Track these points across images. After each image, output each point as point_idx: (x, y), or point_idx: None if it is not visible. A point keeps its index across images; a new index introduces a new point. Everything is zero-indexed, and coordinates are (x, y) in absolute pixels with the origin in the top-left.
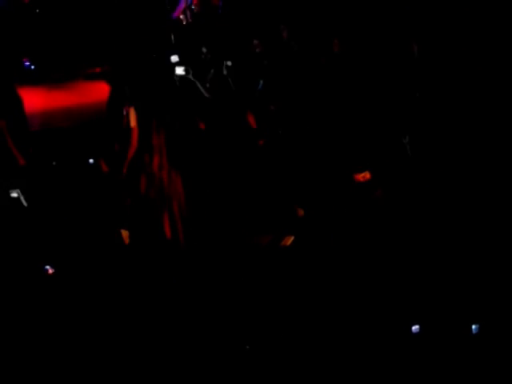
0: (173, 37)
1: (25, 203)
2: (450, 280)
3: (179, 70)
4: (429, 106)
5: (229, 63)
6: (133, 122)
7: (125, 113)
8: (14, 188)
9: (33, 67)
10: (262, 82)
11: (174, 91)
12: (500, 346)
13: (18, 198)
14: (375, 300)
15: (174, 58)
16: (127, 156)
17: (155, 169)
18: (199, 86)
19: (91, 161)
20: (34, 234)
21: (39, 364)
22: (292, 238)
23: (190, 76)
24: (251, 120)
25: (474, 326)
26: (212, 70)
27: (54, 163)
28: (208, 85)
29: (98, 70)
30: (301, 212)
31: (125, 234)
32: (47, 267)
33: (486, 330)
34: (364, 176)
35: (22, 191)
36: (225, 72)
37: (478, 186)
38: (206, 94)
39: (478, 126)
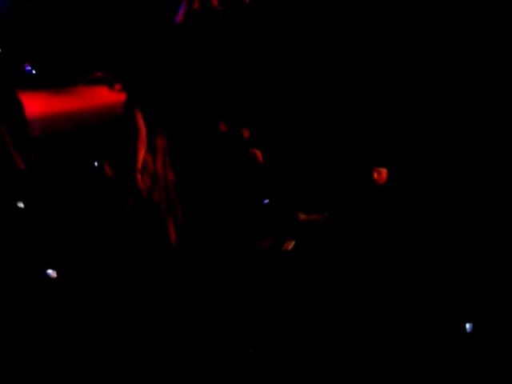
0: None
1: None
2: (448, 280)
3: None
4: (435, 107)
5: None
6: (140, 124)
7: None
8: (15, 192)
9: (34, 72)
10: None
11: (176, 94)
12: (494, 344)
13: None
14: (376, 304)
15: None
16: (137, 157)
17: (159, 170)
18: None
19: (96, 164)
20: (36, 238)
21: (42, 366)
22: (293, 243)
23: None
24: (245, 132)
25: (468, 325)
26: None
27: (55, 168)
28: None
29: (99, 74)
30: (302, 216)
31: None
32: (50, 271)
33: (480, 328)
34: (380, 173)
35: (23, 196)
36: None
37: (481, 187)
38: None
39: (483, 127)
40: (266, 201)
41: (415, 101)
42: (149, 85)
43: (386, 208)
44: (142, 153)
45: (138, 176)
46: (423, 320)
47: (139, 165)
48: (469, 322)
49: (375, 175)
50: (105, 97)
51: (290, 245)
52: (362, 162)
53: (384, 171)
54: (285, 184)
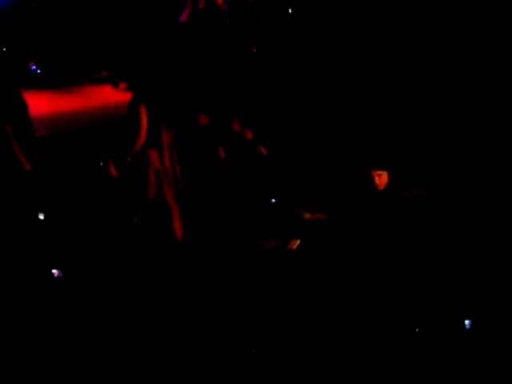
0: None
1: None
2: (448, 277)
3: None
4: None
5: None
6: (143, 121)
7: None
8: (20, 192)
9: (39, 71)
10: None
11: (181, 93)
12: (493, 340)
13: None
14: (379, 303)
15: None
16: (131, 150)
17: (167, 165)
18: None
19: (101, 164)
20: (41, 238)
21: (44, 365)
22: (298, 242)
23: None
24: (248, 134)
25: (466, 322)
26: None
27: (60, 168)
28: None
29: (104, 73)
30: (307, 215)
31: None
32: (54, 271)
33: (478, 325)
34: (381, 176)
35: (27, 196)
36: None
37: (481, 188)
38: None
39: (482, 126)
40: (273, 200)
41: (415, 102)
42: (154, 83)
43: (409, 203)
44: (137, 147)
45: (128, 165)
46: (425, 316)
47: (129, 157)
48: (468, 318)
49: (376, 180)
50: (110, 96)
51: (295, 244)
52: (362, 165)
53: (385, 174)
54: (290, 183)
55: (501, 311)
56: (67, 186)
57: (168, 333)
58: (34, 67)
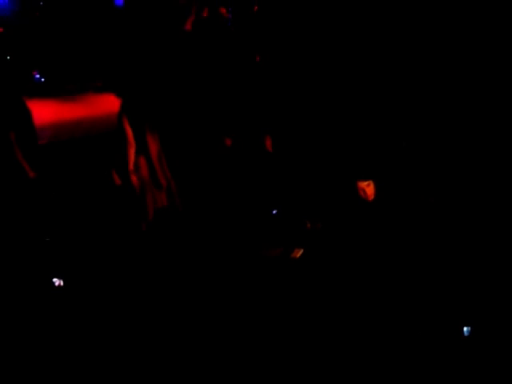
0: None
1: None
2: (446, 282)
3: None
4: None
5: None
6: (127, 128)
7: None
8: (24, 200)
9: (43, 79)
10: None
11: (180, 100)
12: (491, 347)
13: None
14: (381, 310)
15: None
16: (128, 159)
17: (157, 168)
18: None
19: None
20: (44, 246)
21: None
22: (302, 251)
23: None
24: (268, 143)
25: (465, 329)
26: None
27: (64, 176)
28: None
29: (107, 82)
30: (309, 225)
31: None
32: (55, 280)
33: (477, 332)
34: (368, 185)
35: (31, 204)
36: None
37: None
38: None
39: (479, 129)
40: (275, 211)
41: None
42: (149, 91)
43: (421, 205)
44: (131, 154)
45: (133, 177)
46: (426, 323)
47: (131, 166)
48: (466, 325)
49: (368, 190)
50: (113, 104)
51: (299, 252)
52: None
53: (371, 184)
54: (294, 193)
55: (502, 317)
56: (71, 193)
57: (172, 337)
58: (37, 75)
